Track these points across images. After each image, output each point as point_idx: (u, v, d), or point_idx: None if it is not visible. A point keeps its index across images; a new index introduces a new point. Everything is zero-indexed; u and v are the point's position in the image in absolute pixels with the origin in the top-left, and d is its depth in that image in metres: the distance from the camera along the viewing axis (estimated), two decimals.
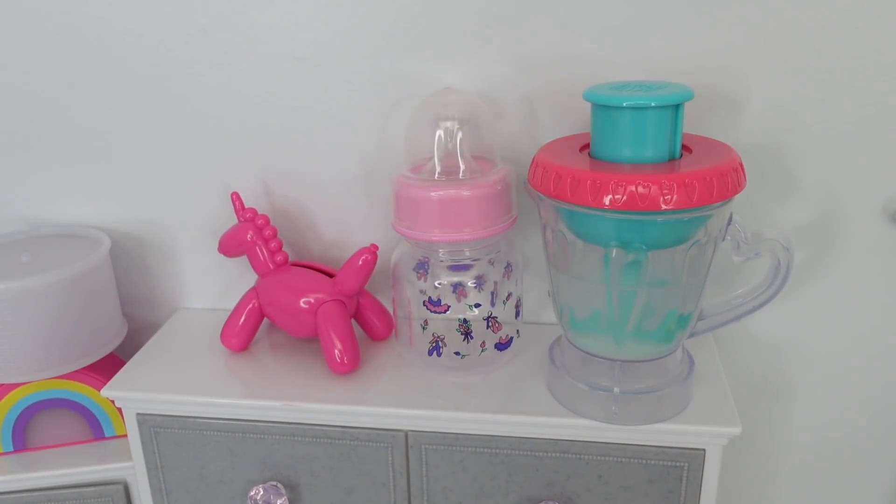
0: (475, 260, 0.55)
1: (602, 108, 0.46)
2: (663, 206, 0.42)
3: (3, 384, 0.60)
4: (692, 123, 0.54)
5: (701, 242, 0.46)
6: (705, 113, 0.55)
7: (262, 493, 0.56)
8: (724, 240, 0.47)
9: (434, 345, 0.56)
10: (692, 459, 0.51)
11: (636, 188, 0.42)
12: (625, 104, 0.44)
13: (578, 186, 0.43)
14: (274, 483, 0.56)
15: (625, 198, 0.42)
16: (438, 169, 0.53)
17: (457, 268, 0.55)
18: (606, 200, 0.42)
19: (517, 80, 0.56)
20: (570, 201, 0.43)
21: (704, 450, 0.50)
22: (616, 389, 0.50)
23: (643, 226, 0.44)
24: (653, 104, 0.43)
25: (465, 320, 0.55)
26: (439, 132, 0.53)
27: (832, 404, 0.66)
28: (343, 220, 0.64)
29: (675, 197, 0.41)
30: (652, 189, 0.41)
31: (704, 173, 0.42)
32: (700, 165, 0.43)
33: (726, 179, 0.43)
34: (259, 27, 0.57)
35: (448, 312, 0.55)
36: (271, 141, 0.61)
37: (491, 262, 0.55)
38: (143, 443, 0.58)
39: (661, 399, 0.50)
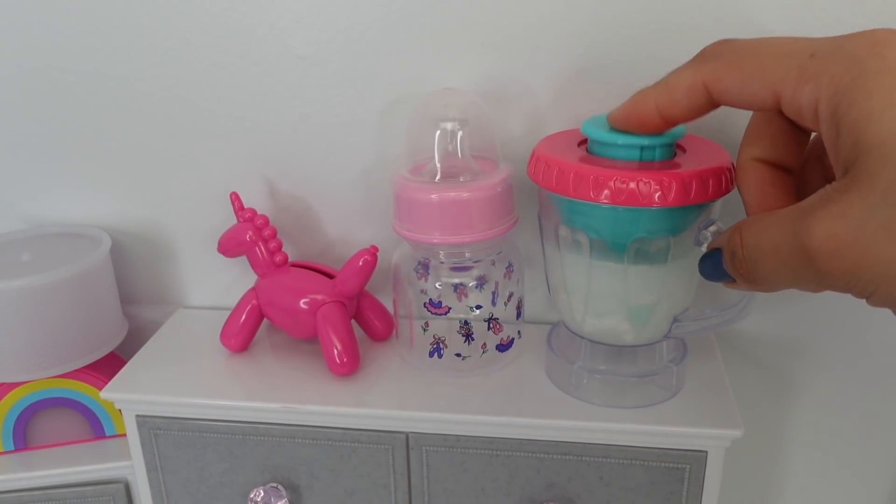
0: (476, 261, 0.54)
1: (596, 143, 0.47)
2: (657, 202, 0.43)
3: (3, 384, 0.60)
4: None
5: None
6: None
7: (262, 494, 0.56)
8: (699, 245, 0.47)
9: (435, 346, 0.56)
10: (694, 461, 0.51)
11: (637, 185, 0.42)
12: (619, 142, 0.45)
13: (581, 182, 0.44)
14: (274, 485, 0.56)
15: (624, 195, 0.43)
16: (439, 170, 0.53)
17: (458, 269, 0.54)
18: (597, 194, 0.43)
19: (519, 79, 0.56)
20: (572, 195, 0.45)
21: (706, 451, 0.50)
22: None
23: (637, 219, 0.45)
24: (645, 143, 0.44)
25: (465, 321, 0.55)
26: (439, 133, 0.53)
27: (834, 405, 0.66)
28: (343, 219, 0.63)
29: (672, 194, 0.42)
30: (652, 185, 0.42)
31: (700, 172, 0.43)
32: (694, 165, 0.44)
33: (720, 179, 0.44)
34: (260, 26, 0.57)
35: (449, 314, 0.55)
36: (271, 140, 0.61)
37: (492, 263, 0.55)
38: (142, 444, 0.57)
39: (651, 383, 0.52)
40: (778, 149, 0.39)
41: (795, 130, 0.39)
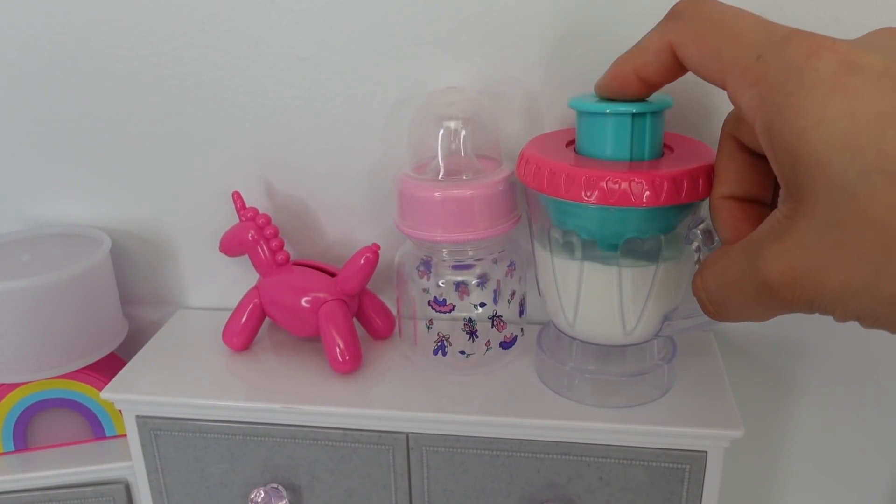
0: (478, 260, 0.54)
1: (587, 115, 0.46)
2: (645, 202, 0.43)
3: (3, 384, 0.60)
4: (681, 123, 0.54)
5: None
6: (695, 112, 0.55)
7: (262, 495, 0.56)
8: (689, 244, 0.47)
9: (439, 344, 0.56)
10: (694, 461, 0.51)
11: (628, 185, 0.42)
12: (607, 111, 0.45)
13: (573, 183, 0.44)
14: (275, 485, 0.56)
15: (615, 196, 0.43)
16: (442, 168, 0.53)
17: (460, 267, 0.55)
18: (589, 195, 0.43)
19: (521, 78, 0.56)
20: (563, 196, 0.44)
21: (706, 452, 0.50)
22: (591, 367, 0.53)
23: (625, 219, 0.45)
24: (634, 111, 0.44)
25: (470, 319, 0.55)
26: (443, 132, 0.53)
27: (835, 405, 0.66)
28: (345, 218, 0.63)
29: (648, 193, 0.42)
30: (643, 185, 0.42)
31: (691, 171, 0.43)
32: (683, 164, 0.44)
33: (710, 178, 0.44)
34: (260, 26, 0.57)
35: (453, 312, 0.55)
36: (273, 140, 0.61)
37: (494, 261, 0.55)
38: (142, 445, 0.57)
39: (643, 383, 0.52)
40: (745, 184, 0.39)
41: (760, 163, 0.39)
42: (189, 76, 0.59)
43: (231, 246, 0.60)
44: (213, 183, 0.63)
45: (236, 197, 0.60)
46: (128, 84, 0.60)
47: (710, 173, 0.44)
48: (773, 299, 0.32)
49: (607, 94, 0.44)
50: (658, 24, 0.39)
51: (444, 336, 0.56)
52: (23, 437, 0.63)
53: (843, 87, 0.28)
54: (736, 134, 0.39)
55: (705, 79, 0.36)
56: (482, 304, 0.55)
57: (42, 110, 0.62)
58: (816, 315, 0.36)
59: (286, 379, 0.57)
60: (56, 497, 0.61)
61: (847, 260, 0.28)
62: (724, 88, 0.35)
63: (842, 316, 0.30)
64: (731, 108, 0.40)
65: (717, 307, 0.36)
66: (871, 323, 0.30)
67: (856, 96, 0.28)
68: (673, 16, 0.38)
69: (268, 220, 0.59)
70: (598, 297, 0.49)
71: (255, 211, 0.60)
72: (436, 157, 0.53)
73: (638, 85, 0.41)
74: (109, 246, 0.63)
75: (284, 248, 0.60)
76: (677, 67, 0.39)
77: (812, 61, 0.29)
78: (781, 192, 0.31)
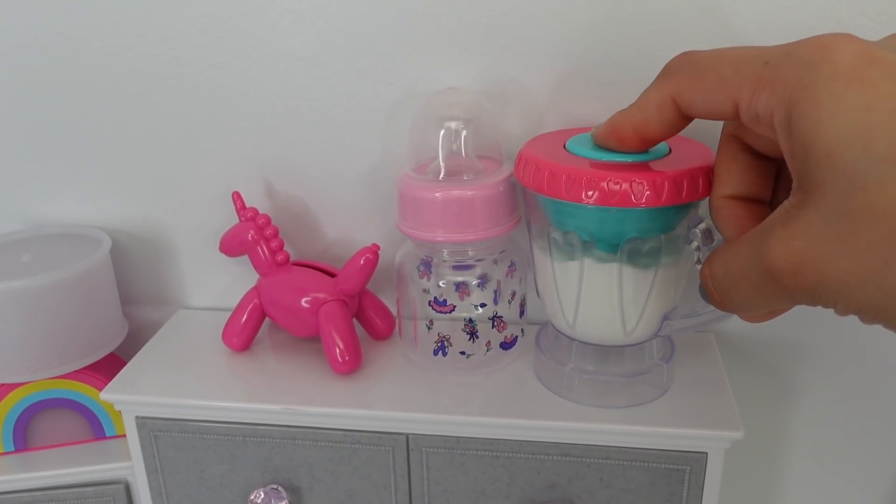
0: (478, 260, 0.54)
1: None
2: (644, 202, 0.43)
3: (3, 384, 0.60)
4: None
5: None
6: None
7: (262, 496, 0.56)
8: (689, 243, 0.46)
9: (440, 344, 0.56)
10: (694, 462, 0.50)
11: (629, 185, 0.42)
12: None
13: (573, 184, 0.44)
14: (275, 486, 0.56)
15: (617, 196, 0.43)
16: (443, 169, 0.53)
17: (460, 267, 0.54)
18: (590, 196, 0.43)
19: (518, 79, 0.56)
20: (563, 197, 0.44)
21: (706, 453, 0.50)
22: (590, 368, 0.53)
23: (623, 219, 0.45)
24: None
25: (470, 320, 0.55)
26: (444, 132, 0.53)
27: (835, 406, 0.65)
28: (345, 218, 0.63)
29: (648, 193, 0.43)
30: (644, 185, 0.42)
31: (691, 171, 0.43)
32: (682, 164, 0.44)
33: (710, 177, 0.44)
34: (260, 26, 0.57)
35: (453, 312, 0.55)
36: (273, 140, 0.61)
37: (494, 262, 0.55)
38: (142, 446, 0.57)
39: (642, 383, 0.52)
40: (746, 184, 0.40)
41: (761, 163, 0.39)
42: (189, 76, 0.59)
43: (231, 246, 0.60)
44: (213, 183, 0.63)
45: (236, 197, 0.60)
46: (128, 84, 0.60)
47: (709, 173, 0.44)
48: (777, 287, 0.32)
49: (604, 146, 0.44)
50: (653, 83, 0.39)
51: (444, 336, 0.56)
52: (23, 437, 0.63)
53: (859, 79, 0.29)
54: (738, 134, 0.39)
55: (716, 117, 0.36)
56: (483, 305, 0.55)
57: (42, 110, 0.62)
58: (816, 314, 0.36)
59: (286, 379, 0.57)
60: (56, 497, 0.61)
61: (854, 250, 0.28)
62: (736, 116, 0.35)
63: (844, 308, 0.30)
64: None
65: (722, 295, 0.36)
66: (872, 317, 0.30)
67: (872, 88, 0.28)
68: (667, 72, 0.38)
69: (268, 221, 0.59)
70: (598, 298, 0.49)
71: (255, 211, 0.60)
72: (436, 157, 0.53)
73: (636, 141, 0.42)
74: (109, 246, 0.63)
75: (284, 248, 0.60)
76: (680, 121, 0.39)
77: (827, 53, 0.30)
78: (794, 184, 0.31)
